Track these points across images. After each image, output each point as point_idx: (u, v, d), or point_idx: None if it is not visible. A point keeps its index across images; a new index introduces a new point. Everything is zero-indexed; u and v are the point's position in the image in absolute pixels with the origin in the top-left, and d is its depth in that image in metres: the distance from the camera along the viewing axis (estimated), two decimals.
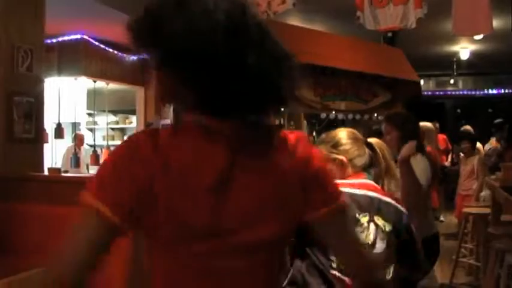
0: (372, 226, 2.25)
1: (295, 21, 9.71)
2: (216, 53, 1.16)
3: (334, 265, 2.17)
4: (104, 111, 10.04)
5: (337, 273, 2.16)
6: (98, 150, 9.18)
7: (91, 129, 10.75)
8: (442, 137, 11.18)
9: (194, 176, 1.20)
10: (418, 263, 2.42)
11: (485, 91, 15.90)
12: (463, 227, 6.64)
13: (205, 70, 1.17)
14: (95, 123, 10.74)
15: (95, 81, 8.76)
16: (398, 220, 2.30)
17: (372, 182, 2.35)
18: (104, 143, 10.24)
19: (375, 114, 8.29)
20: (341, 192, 1.39)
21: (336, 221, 1.37)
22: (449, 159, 10.97)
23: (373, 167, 2.40)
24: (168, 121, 9.21)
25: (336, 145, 2.38)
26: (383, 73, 7.95)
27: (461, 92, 16.25)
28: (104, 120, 10.38)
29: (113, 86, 9.34)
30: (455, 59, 13.00)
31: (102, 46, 8.49)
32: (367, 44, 8.32)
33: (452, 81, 15.67)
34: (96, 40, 8.40)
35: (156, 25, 1.19)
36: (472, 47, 11.92)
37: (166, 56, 1.20)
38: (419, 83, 9.16)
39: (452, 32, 5.45)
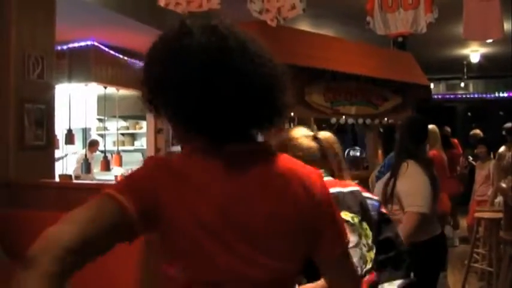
0: None
1: (305, 26, 9.70)
2: (206, 87, 1.24)
3: None
4: (115, 116, 10.05)
5: None
6: (108, 155, 9.20)
7: (101, 135, 10.77)
8: (453, 141, 11.11)
9: (199, 206, 1.23)
10: (398, 252, 2.45)
11: (496, 94, 15.80)
12: (475, 231, 6.59)
13: (200, 102, 1.25)
14: (105, 128, 10.76)
15: (105, 87, 8.78)
16: (365, 208, 2.36)
17: (331, 178, 2.40)
18: (115, 148, 10.25)
19: (385, 119, 8.26)
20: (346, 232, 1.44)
21: (343, 260, 1.43)
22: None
23: (323, 160, 2.43)
24: None
25: (288, 140, 2.44)
26: (393, 78, 7.93)
27: (471, 96, 16.15)
28: (114, 126, 10.40)
29: (123, 91, 9.35)
30: (465, 62, 12.93)
31: (112, 52, 8.52)
32: (376, 48, 8.30)
33: (462, 84, 15.59)
34: (106, 46, 8.43)
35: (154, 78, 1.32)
36: (483, 50, 11.86)
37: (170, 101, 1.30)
38: (429, 86, 9.14)
39: (462, 36, 5.41)
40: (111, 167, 8.93)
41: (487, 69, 13.95)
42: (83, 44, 8.23)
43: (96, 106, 9.91)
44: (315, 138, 2.43)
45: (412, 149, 3.80)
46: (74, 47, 8.26)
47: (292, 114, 7.34)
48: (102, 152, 9.84)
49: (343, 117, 7.53)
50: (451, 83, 15.88)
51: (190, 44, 1.26)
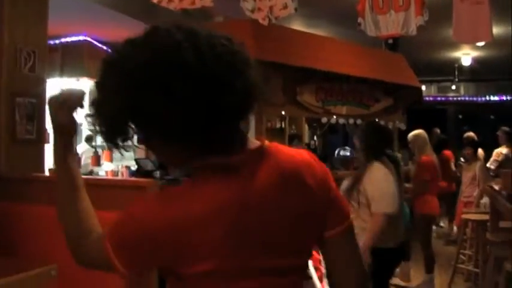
0: None
1: (297, 25, 9.74)
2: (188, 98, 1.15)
3: None
4: None
5: None
6: (99, 151, 9.17)
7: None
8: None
9: (211, 226, 1.19)
10: None
11: (487, 97, 15.91)
12: (462, 233, 6.66)
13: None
14: None
15: None
16: None
17: None
18: (105, 144, 10.22)
19: (376, 119, 8.31)
20: (349, 208, 1.43)
21: (348, 237, 1.40)
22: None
23: None
24: None
25: None
26: (384, 79, 7.97)
27: (463, 98, 16.25)
28: None
29: None
30: (457, 65, 13.02)
31: (105, 48, 8.52)
32: (368, 49, 8.34)
33: (454, 87, 15.68)
34: (99, 42, 8.44)
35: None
36: (474, 53, 11.96)
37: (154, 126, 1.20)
38: (420, 88, 9.18)
39: (452, 38, 5.46)
40: (101, 162, 8.93)
41: (479, 73, 14.06)
42: (75, 38, 8.24)
43: (87, 101, 9.88)
44: None
45: (379, 151, 3.96)
46: (67, 42, 8.26)
47: (283, 113, 7.40)
48: (93, 147, 9.83)
49: (334, 117, 7.57)
50: (443, 86, 15.98)
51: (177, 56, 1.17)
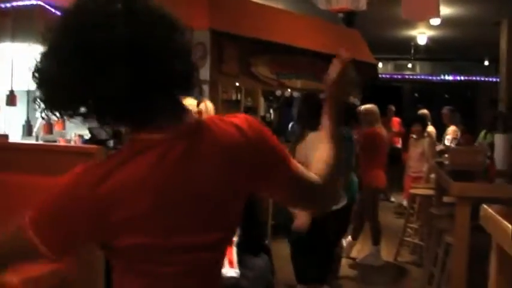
0: None
1: None
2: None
3: None
4: None
5: None
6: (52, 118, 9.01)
7: None
8: (396, 120, 11.39)
9: (139, 198, 1.20)
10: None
11: (442, 77, 16.19)
12: (409, 207, 6.83)
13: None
14: None
15: None
16: None
17: None
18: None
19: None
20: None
21: (298, 176, 1.42)
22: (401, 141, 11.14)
23: None
24: None
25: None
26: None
27: (418, 77, 16.51)
28: None
29: None
30: (413, 44, 13.18)
31: (58, 13, 8.32)
32: (325, 24, 8.36)
33: (410, 65, 15.90)
34: (52, 6, 8.22)
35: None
36: (430, 32, 12.11)
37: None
38: (376, 65, 9.28)
39: (402, 15, 5.54)
40: (54, 130, 8.79)
41: (434, 52, 14.27)
42: (27, 3, 8.00)
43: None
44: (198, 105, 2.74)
45: (313, 121, 3.85)
46: (18, 6, 8.02)
47: (237, 84, 7.38)
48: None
49: (289, 90, 7.60)
50: (399, 64, 16.19)
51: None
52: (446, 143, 8.63)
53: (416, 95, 17.75)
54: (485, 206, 2.46)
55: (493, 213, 2.32)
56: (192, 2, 6.42)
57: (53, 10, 8.24)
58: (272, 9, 7.45)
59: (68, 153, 3.55)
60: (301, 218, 3.52)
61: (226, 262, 2.30)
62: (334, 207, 3.84)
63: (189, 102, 2.81)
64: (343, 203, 4.08)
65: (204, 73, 6.55)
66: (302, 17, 7.96)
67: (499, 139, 4.16)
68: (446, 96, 17.65)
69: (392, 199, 10.71)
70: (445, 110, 9.43)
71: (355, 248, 6.62)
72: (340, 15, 7.39)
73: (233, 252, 2.28)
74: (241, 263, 2.40)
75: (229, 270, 2.30)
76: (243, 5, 6.98)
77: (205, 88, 6.69)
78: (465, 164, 4.84)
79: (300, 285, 3.80)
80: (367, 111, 6.41)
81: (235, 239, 2.31)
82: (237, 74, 6.76)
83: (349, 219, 4.64)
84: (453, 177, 4.13)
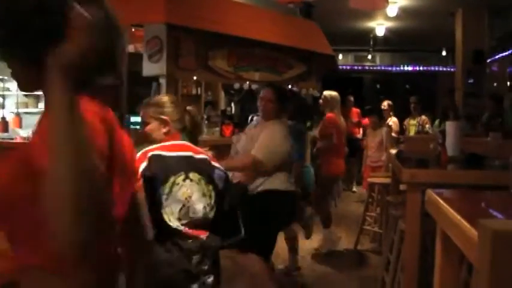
0: (188, 182, 2.68)
1: None
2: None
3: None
4: None
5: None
6: (8, 117, 8.87)
7: (2, 96, 10.33)
8: (355, 110, 11.51)
9: None
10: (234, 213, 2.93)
11: (401, 67, 16.40)
12: (367, 196, 6.92)
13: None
14: (6, 89, 10.33)
15: None
16: (211, 172, 2.79)
17: (186, 142, 2.84)
18: (19, 110, 9.96)
19: (289, 86, 8.40)
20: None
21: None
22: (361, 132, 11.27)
23: (190, 129, 2.96)
24: None
25: (160, 107, 2.89)
26: (298, 45, 8.03)
27: (378, 68, 16.69)
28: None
29: None
30: (372, 35, 13.32)
31: None
32: (282, 16, 8.37)
33: (370, 56, 16.06)
34: None
35: None
36: (388, 24, 12.24)
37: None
38: (334, 56, 9.33)
39: (349, 5, 5.59)
40: (9, 128, 8.64)
41: (393, 43, 14.45)
42: None
43: None
44: (185, 109, 2.97)
45: (276, 110, 4.27)
46: None
47: (195, 78, 7.34)
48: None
49: (247, 82, 7.59)
50: (359, 55, 16.34)
51: None
52: (430, 131, 8.81)
53: (378, 86, 17.93)
54: (430, 190, 2.48)
55: (437, 197, 2.34)
56: None
57: None
58: (229, 2, 7.41)
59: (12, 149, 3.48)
60: None
61: None
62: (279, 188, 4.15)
63: (176, 101, 2.95)
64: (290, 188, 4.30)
65: (161, 67, 6.50)
66: (259, 10, 7.94)
67: (450, 126, 4.22)
68: (407, 86, 17.88)
69: (354, 189, 10.85)
70: (413, 99, 9.66)
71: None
72: (291, 5, 7.32)
73: None
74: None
75: None
76: None
77: (163, 82, 6.64)
78: (419, 151, 4.94)
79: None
80: (329, 97, 6.68)
81: None
82: (194, 68, 6.71)
83: (295, 208, 4.80)
84: (407, 164, 4.19)
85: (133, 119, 6.26)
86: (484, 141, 4.76)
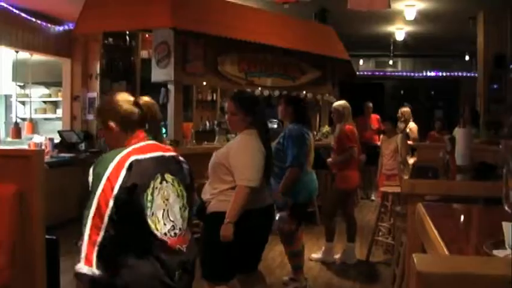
0: (164, 184, 2.55)
1: None
2: None
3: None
4: (37, 83, 9.78)
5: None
6: (21, 123, 8.89)
7: (22, 102, 10.36)
8: (375, 116, 11.27)
9: None
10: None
11: (424, 73, 16.09)
12: (380, 205, 6.70)
13: None
14: (25, 95, 10.35)
15: (17, 52, 8.43)
16: (180, 170, 2.67)
17: (153, 141, 2.66)
18: (37, 116, 9.99)
19: (304, 92, 8.24)
20: None
21: None
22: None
23: (142, 124, 2.69)
24: (94, 94, 8.99)
25: (107, 111, 2.67)
26: (311, 50, 7.86)
27: (400, 74, 16.39)
28: (36, 93, 10.07)
29: (40, 57, 9.05)
30: (392, 40, 13.06)
31: (23, 15, 8.16)
32: (295, 20, 8.21)
33: (391, 62, 15.77)
34: (17, 9, 8.06)
35: None
36: (407, 28, 11.99)
37: None
38: (350, 62, 9.13)
39: (348, 6, 5.39)
40: (22, 135, 8.64)
41: (414, 48, 14.17)
42: None
43: (11, 72, 9.52)
44: (136, 103, 2.66)
45: (246, 120, 3.80)
46: None
47: (204, 83, 7.22)
48: (23, 119, 9.56)
49: (259, 88, 7.44)
50: (380, 61, 16.06)
51: None
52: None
53: (401, 92, 17.63)
54: (420, 204, 2.33)
55: (423, 211, 2.18)
56: (154, 1, 6.27)
57: (17, 11, 8.09)
58: (238, 6, 7.29)
59: (3, 156, 3.38)
60: (227, 229, 3.50)
61: (82, 258, 2.30)
62: (255, 207, 3.71)
63: (124, 97, 2.72)
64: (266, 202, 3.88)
65: (168, 73, 6.40)
66: (270, 14, 7.80)
67: (458, 133, 4.01)
68: (432, 92, 17.57)
69: (373, 197, 10.60)
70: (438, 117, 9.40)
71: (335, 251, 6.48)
72: (286, 6, 6.90)
73: (93, 251, 2.34)
74: (114, 263, 2.37)
75: (84, 267, 2.29)
76: (208, 2, 6.83)
77: (171, 88, 6.54)
78: (429, 160, 4.72)
79: (206, 281, 3.76)
80: (339, 108, 6.31)
81: (98, 238, 2.35)
82: (203, 74, 6.60)
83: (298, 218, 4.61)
84: (415, 174, 4.00)
85: None
86: (496, 149, 4.54)
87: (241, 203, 3.55)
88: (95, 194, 2.35)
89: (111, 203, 2.34)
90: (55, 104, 11.06)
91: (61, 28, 8.85)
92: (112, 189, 2.35)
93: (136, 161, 2.48)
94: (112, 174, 2.39)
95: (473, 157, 4.06)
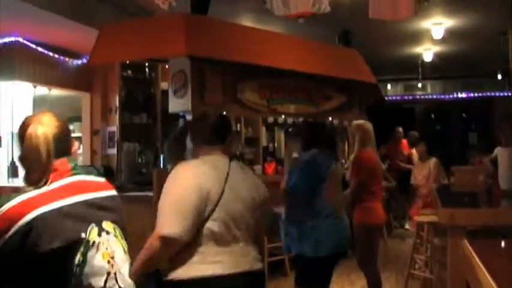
0: (104, 236, 1.93)
1: (248, 22, 9.30)
2: None
3: None
4: None
5: None
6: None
7: None
8: (405, 142, 10.84)
9: None
10: None
11: (455, 95, 15.60)
12: (415, 236, 6.24)
13: None
14: None
15: (35, 87, 8.28)
16: (118, 207, 2.07)
17: (81, 177, 1.98)
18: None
19: (330, 118, 7.87)
20: None
21: None
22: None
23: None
24: (114, 128, 8.75)
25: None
26: (335, 74, 7.49)
27: (430, 96, 15.92)
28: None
29: (59, 92, 8.91)
30: (420, 62, 12.68)
31: (40, 49, 8.01)
32: (318, 44, 7.87)
33: (420, 85, 15.35)
34: (33, 43, 7.93)
35: None
36: (435, 48, 11.62)
37: None
38: (377, 85, 8.74)
39: (369, 16, 5.03)
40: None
41: (443, 69, 13.76)
42: (7, 40, 7.72)
43: (31, 108, 9.36)
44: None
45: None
46: None
47: (224, 113, 6.90)
48: None
49: (283, 116, 7.10)
50: (409, 84, 15.64)
51: None
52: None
53: (433, 116, 17.15)
54: (466, 241, 1.99)
55: (470, 251, 1.83)
56: (168, 27, 6.02)
57: (33, 46, 7.95)
58: (256, 31, 7.00)
59: None
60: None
61: None
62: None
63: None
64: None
65: (186, 103, 6.11)
66: (291, 38, 7.50)
67: (501, 154, 3.59)
68: (464, 115, 17.04)
69: (407, 226, 10.12)
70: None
71: None
72: (301, 20, 6.38)
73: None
74: None
75: None
76: (223, 27, 6.54)
77: (189, 119, 6.24)
78: (468, 184, 4.31)
79: None
80: (357, 127, 5.26)
81: None
82: (221, 103, 6.26)
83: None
84: (453, 201, 3.60)
85: None
86: None
87: (143, 258, 2.44)
88: None
89: None
90: (79, 140, 10.90)
91: (79, 62, 8.69)
92: None
93: (44, 215, 1.84)
94: None
95: None
